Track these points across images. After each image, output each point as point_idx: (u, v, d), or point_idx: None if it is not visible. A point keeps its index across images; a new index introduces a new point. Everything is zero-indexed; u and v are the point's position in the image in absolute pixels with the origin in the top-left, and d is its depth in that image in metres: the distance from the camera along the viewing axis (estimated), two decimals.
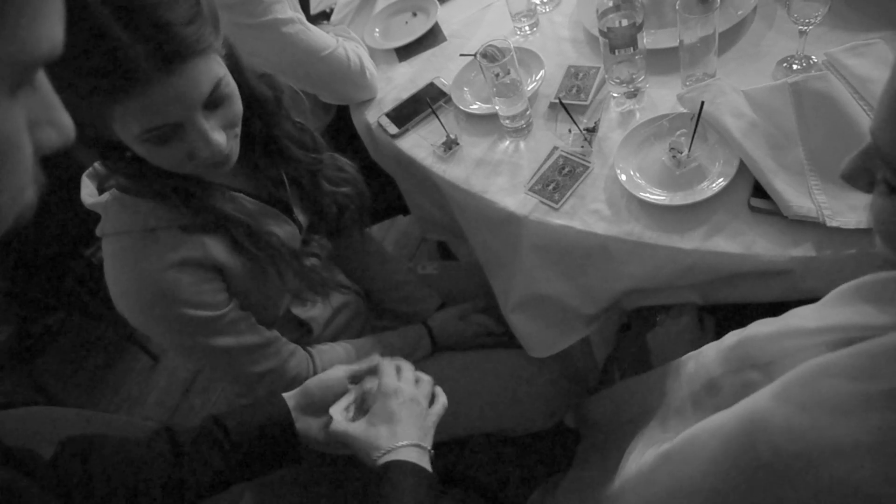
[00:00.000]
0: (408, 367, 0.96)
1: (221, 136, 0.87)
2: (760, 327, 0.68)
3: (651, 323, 1.19)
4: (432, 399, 0.95)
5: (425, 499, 0.78)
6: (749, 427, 0.55)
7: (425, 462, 0.83)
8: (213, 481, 0.85)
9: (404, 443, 0.83)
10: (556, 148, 1.17)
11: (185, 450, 0.85)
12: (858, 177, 0.57)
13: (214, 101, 0.85)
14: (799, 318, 0.64)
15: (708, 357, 0.74)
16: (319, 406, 0.93)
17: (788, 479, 0.51)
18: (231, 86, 0.87)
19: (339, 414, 0.91)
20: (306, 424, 0.92)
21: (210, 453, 0.85)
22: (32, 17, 0.30)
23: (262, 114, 1.00)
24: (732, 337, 0.71)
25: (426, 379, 0.96)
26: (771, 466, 0.52)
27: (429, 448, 0.86)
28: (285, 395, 0.93)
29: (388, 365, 0.94)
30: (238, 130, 0.92)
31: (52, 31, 0.32)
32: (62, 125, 0.35)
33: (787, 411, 0.53)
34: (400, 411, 0.87)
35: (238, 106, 0.90)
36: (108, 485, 0.78)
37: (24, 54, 0.30)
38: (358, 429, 0.87)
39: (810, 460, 0.50)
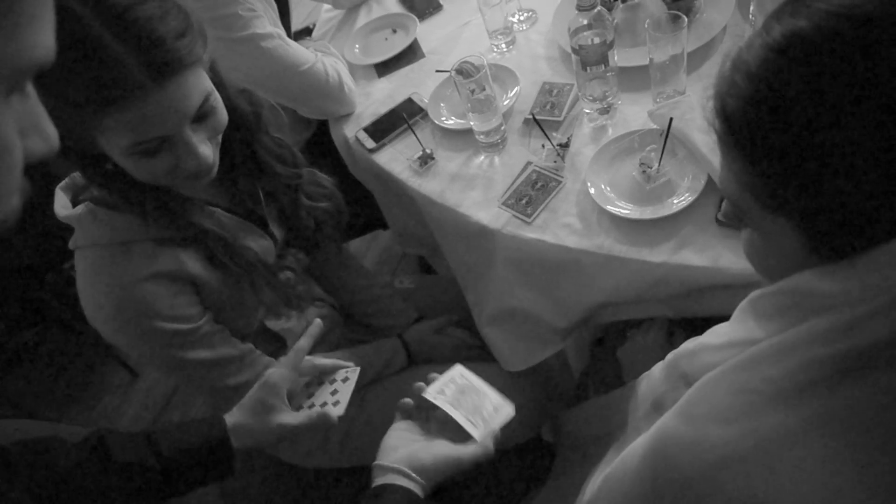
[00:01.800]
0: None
1: (208, 149, 0.88)
2: (687, 344, 0.71)
3: (623, 338, 1.21)
4: None
5: None
6: (657, 445, 0.58)
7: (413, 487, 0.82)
8: (138, 501, 0.85)
9: (399, 466, 0.82)
10: (529, 163, 1.19)
11: (115, 465, 0.84)
12: (731, 217, 0.63)
13: (203, 114, 0.86)
14: (712, 335, 0.68)
15: (654, 376, 0.76)
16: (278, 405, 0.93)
17: (695, 492, 0.53)
18: (218, 99, 0.89)
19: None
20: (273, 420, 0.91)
21: (138, 475, 0.84)
22: (28, 24, 0.31)
23: (241, 128, 1.01)
24: (670, 355, 0.73)
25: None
26: (678, 481, 0.54)
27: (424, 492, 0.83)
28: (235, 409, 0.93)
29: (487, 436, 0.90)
30: (219, 139, 0.93)
31: (45, 38, 0.33)
32: (48, 134, 0.36)
33: (685, 427, 0.55)
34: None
35: (223, 117, 0.91)
36: (30, 496, 0.77)
37: (21, 59, 0.32)
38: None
39: (705, 471, 0.52)
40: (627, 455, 0.63)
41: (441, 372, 0.97)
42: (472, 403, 0.92)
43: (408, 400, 0.94)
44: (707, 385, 0.57)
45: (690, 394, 0.58)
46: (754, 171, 0.53)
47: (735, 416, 0.52)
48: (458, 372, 0.97)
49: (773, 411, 0.51)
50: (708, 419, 0.54)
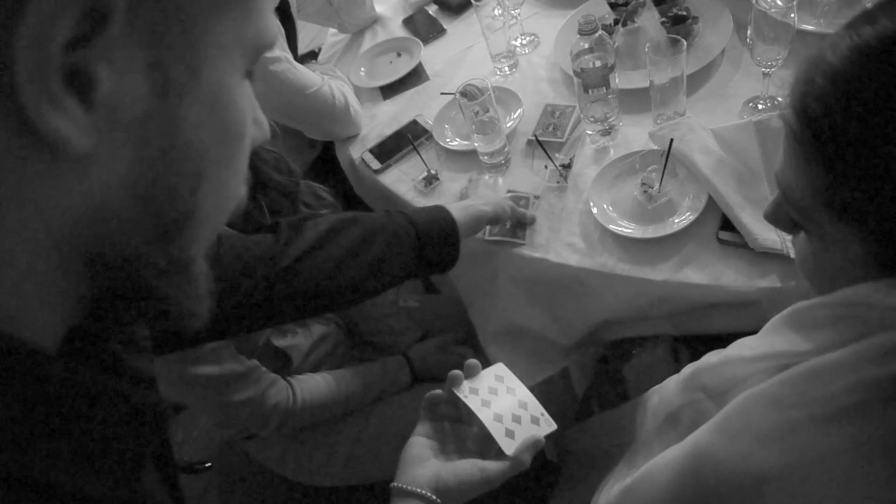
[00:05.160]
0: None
1: None
2: (710, 358, 0.70)
3: (627, 355, 1.21)
4: None
5: None
6: (694, 459, 0.57)
7: None
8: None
9: (421, 491, 0.72)
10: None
11: None
12: (778, 218, 0.61)
13: None
14: (741, 347, 0.66)
15: (668, 389, 0.76)
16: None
17: None
18: None
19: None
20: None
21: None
22: (261, 8, 0.34)
23: None
24: (688, 368, 0.73)
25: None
26: (716, 496, 0.54)
27: None
28: None
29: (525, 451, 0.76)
30: None
31: (272, 21, 0.36)
32: (263, 124, 0.39)
33: (724, 442, 0.55)
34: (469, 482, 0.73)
35: None
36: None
37: (260, 40, 0.35)
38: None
39: (745, 488, 0.52)
40: (654, 469, 0.63)
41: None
42: (508, 408, 0.77)
43: (438, 392, 0.82)
44: (748, 401, 0.55)
45: (729, 410, 0.56)
46: (832, 176, 0.51)
47: (778, 435, 0.51)
48: (498, 371, 0.83)
49: (817, 431, 0.50)
50: (749, 436, 0.53)
